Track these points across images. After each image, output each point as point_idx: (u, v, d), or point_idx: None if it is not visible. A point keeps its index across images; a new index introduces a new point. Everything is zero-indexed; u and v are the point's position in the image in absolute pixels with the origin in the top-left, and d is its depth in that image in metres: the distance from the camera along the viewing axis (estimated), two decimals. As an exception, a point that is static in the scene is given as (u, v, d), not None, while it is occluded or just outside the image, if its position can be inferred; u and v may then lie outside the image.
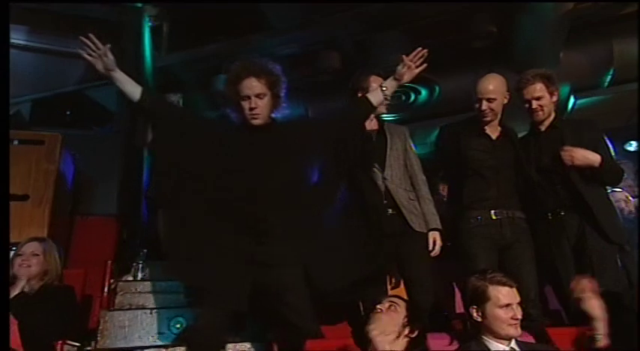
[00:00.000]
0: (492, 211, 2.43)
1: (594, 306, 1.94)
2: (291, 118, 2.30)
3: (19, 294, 2.21)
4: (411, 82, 5.33)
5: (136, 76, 4.76)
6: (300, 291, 1.92)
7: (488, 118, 2.54)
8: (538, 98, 2.53)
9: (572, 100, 5.92)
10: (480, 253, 2.37)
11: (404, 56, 2.13)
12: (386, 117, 5.46)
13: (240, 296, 1.88)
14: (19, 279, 2.28)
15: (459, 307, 2.63)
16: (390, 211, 2.37)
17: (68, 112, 4.49)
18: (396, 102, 5.77)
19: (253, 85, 1.95)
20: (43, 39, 4.60)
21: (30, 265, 2.35)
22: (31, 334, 2.11)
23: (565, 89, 5.83)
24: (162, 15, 4.97)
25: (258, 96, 1.96)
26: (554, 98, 2.60)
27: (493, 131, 2.60)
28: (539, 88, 2.52)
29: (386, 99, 2.27)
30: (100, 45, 1.87)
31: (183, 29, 5.00)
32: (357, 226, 2.20)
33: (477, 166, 2.51)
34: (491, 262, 2.32)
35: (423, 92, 5.54)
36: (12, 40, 4.20)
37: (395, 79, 2.17)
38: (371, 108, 2.19)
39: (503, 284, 1.83)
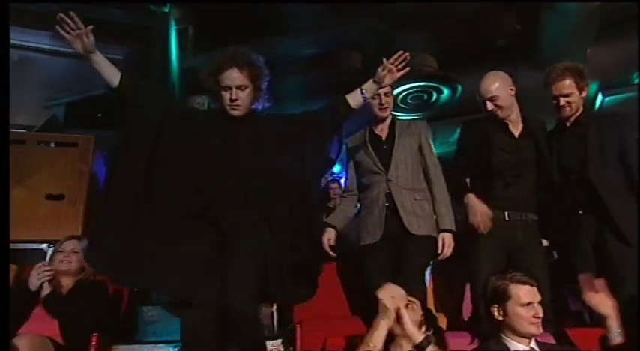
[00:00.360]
0: (506, 213, 2.36)
1: (605, 304, 1.88)
2: (271, 112, 2.19)
3: (53, 290, 2.32)
4: (433, 80, 5.30)
5: (163, 77, 4.97)
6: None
7: (500, 116, 2.44)
8: (567, 95, 2.37)
9: (600, 97, 5.74)
10: (488, 254, 2.31)
11: (384, 59, 2.05)
12: (405, 117, 5.50)
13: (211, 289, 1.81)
14: (61, 275, 2.42)
15: (468, 311, 2.60)
16: (388, 213, 2.33)
17: (99, 115, 4.63)
18: (419, 101, 5.77)
19: (234, 76, 1.91)
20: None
21: (71, 261, 2.48)
22: (68, 327, 2.22)
23: (593, 86, 5.70)
24: (188, 18, 5.08)
25: (239, 87, 1.92)
26: (584, 94, 2.43)
27: (515, 128, 2.49)
28: (567, 84, 2.37)
29: (365, 100, 2.19)
30: (80, 24, 1.78)
31: (208, 31, 5.09)
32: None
33: (499, 166, 2.42)
34: (497, 264, 2.25)
35: (445, 91, 5.48)
36: (44, 46, 4.39)
37: (375, 81, 2.09)
38: (349, 109, 2.12)
39: (524, 282, 1.84)
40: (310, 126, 2.11)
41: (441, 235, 2.34)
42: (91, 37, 1.81)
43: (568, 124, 2.47)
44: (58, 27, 1.75)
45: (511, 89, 2.44)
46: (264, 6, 5.16)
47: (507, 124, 2.47)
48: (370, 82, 2.09)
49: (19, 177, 3.32)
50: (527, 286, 1.83)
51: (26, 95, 4.40)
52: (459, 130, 2.79)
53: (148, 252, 1.82)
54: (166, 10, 4.58)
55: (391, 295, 1.83)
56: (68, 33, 1.78)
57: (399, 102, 5.58)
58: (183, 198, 1.89)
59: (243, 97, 1.95)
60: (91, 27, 1.78)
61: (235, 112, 1.97)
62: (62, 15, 1.73)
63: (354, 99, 2.13)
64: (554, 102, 2.44)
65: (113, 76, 1.89)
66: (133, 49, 4.59)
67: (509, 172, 2.41)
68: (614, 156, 2.35)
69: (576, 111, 2.43)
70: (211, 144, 1.96)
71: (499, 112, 2.41)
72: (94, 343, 2.21)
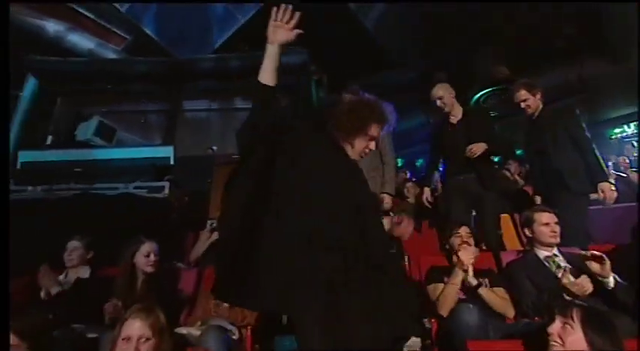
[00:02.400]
0: (461, 177, 3.19)
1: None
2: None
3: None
4: (505, 83, 6.49)
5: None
6: None
7: (446, 111, 3.23)
8: (524, 100, 3.11)
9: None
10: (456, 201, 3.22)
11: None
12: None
13: None
14: None
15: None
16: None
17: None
18: (497, 101, 6.91)
19: (378, 132, 1.78)
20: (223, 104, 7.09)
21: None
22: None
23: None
24: (320, 69, 7.02)
25: (374, 138, 1.79)
26: (538, 96, 3.14)
27: (454, 119, 3.27)
28: (523, 94, 3.12)
29: None
30: (292, 19, 1.61)
31: (334, 74, 6.95)
32: None
33: (443, 145, 3.35)
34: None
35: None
36: (245, 105, 6.67)
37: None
38: None
39: (543, 211, 2.48)
40: None
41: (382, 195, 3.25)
42: (295, 32, 1.64)
43: (533, 119, 3.18)
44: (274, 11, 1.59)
45: (451, 94, 3.24)
46: (369, 48, 6.91)
47: (450, 118, 3.28)
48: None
49: None
50: (545, 213, 2.43)
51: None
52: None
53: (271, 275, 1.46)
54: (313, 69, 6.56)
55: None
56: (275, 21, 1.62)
57: (480, 103, 6.84)
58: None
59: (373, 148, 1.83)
60: (295, 32, 1.62)
61: (358, 158, 1.80)
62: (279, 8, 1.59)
63: None
64: (520, 107, 3.17)
65: (273, 76, 1.63)
66: (290, 99, 6.66)
67: (449, 149, 3.31)
68: (567, 140, 2.99)
69: (536, 109, 3.15)
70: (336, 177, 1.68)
71: (445, 108, 3.23)
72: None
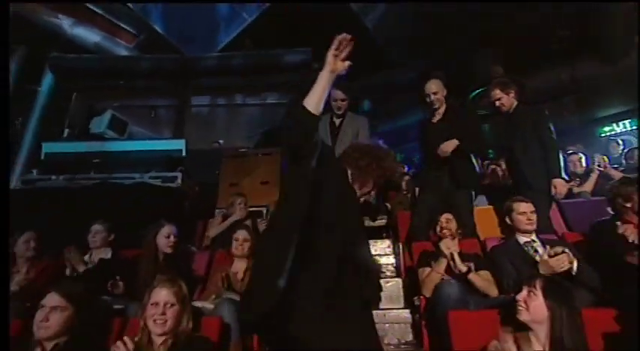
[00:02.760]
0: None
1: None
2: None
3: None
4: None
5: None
6: None
7: (435, 107, 3.33)
8: (499, 99, 3.28)
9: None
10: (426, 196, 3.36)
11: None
12: (482, 111, 6.93)
13: None
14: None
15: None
16: None
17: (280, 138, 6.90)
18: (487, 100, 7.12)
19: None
20: (257, 98, 7.30)
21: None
22: None
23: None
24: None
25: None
26: (512, 95, 3.30)
27: (436, 118, 3.40)
28: (497, 93, 3.29)
29: None
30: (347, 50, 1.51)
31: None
32: None
33: (426, 141, 3.41)
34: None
35: (512, 90, 6.80)
36: (250, 101, 6.90)
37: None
38: None
39: (521, 201, 2.69)
40: None
41: None
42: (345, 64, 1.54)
43: (507, 115, 3.35)
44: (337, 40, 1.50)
45: (442, 91, 3.34)
46: (369, 51, 7.11)
47: (435, 116, 3.40)
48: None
49: (247, 173, 5.53)
50: (522, 203, 2.66)
51: (240, 131, 6.97)
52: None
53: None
54: (314, 68, 6.80)
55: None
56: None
57: (476, 101, 7.05)
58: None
59: None
60: (348, 63, 1.51)
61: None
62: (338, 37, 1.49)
63: None
64: (494, 105, 3.34)
65: (320, 104, 1.53)
66: (294, 96, 6.89)
67: (429, 145, 3.33)
68: (534, 134, 3.17)
69: (510, 107, 3.31)
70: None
71: (435, 104, 3.34)
72: None
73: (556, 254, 2.13)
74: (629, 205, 2.37)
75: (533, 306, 1.61)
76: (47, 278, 2.79)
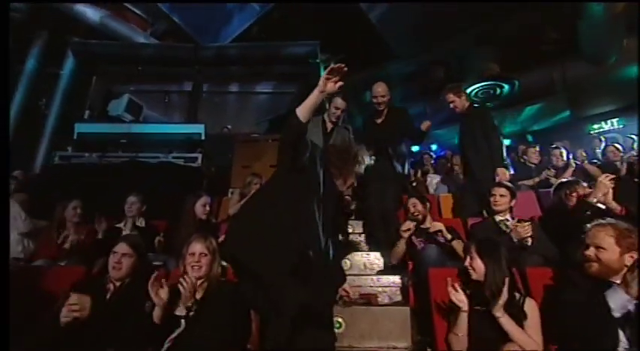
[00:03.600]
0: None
1: None
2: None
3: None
4: (495, 80, 7.24)
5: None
6: None
7: (380, 109, 3.65)
8: (452, 102, 3.76)
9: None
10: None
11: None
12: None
13: None
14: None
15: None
16: None
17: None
18: (487, 95, 7.56)
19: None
20: (265, 87, 7.72)
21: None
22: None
23: (632, 69, 6.88)
24: (330, 59, 7.63)
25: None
26: (463, 98, 3.77)
27: (380, 119, 3.70)
28: (451, 96, 3.76)
29: None
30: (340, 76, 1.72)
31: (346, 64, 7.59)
32: None
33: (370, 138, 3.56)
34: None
35: (506, 87, 7.24)
36: (259, 89, 7.32)
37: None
38: None
39: (499, 186, 3.15)
40: None
41: None
42: (336, 86, 1.75)
43: (461, 116, 3.83)
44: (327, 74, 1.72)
45: (387, 94, 3.64)
46: (373, 41, 7.50)
47: (375, 117, 3.73)
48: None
49: (258, 157, 5.99)
50: (496, 187, 3.09)
51: (249, 118, 7.42)
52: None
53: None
54: (317, 60, 7.20)
55: None
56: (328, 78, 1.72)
57: (472, 96, 7.49)
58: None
59: None
60: (339, 85, 1.72)
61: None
62: (335, 67, 1.69)
63: None
64: (451, 108, 3.81)
65: (308, 114, 1.79)
66: (300, 85, 7.30)
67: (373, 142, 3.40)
68: (482, 133, 3.61)
69: (463, 108, 3.79)
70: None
71: (382, 105, 3.64)
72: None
73: (522, 223, 2.62)
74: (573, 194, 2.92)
75: (475, 266, 2.03)
76: (91, 240, 3.29)
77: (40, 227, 3.35)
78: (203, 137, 4.60)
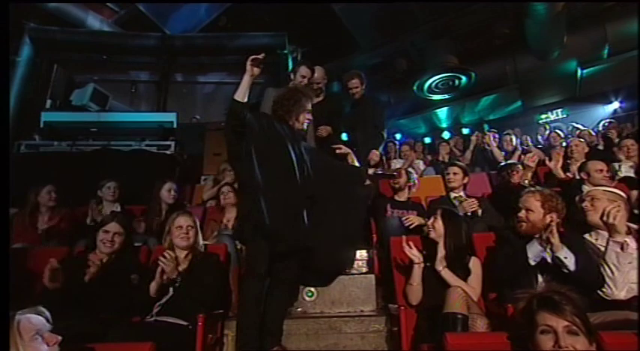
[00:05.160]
0: None
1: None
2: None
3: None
4: (455, 71, 7.72)
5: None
6: None
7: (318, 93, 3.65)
8: (356, 87, 3.87)
9: (579, 71, 7.64)
10: None
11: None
12: (439, 97, 7.85)
13: None
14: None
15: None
16: None
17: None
18: (446, 86, 8.04)
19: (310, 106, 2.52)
20: (233, 77, 7.81)
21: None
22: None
23: (572, 64, 7.58)
24: (295, 50, 7.82)
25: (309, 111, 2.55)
26: (363, 86, 3.92)
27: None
28: (354, 82, 3.87)
29: None
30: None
31: (310, 57, 7.77)
32: None
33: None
34: None
35: (464, 78, 7.75)
36: (227, 80, 7.40)
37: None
38: None
39: (452, 165, 3.54)
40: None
41: None
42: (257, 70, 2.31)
43: (356, 102, 3.99)
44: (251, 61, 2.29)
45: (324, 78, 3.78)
46: (340, 35, 7.77)
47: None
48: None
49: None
50: (449, 167, 3.47)
51: (217, 108, 7.49)
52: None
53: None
54: (285, 51, 7.37)
55: None
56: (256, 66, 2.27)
57: (432, 87, 7.96)
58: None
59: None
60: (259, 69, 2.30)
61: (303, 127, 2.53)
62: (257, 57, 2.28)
63: None
64: (350, 92, 3.92)
65: (244, 95, 2.26)
66: (268, 75, 7.46)
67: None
68: (369, 121, 3.85)
69: (360, 95, 3.92)
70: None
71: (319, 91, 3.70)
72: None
73: (467, 199, 3.01)
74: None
75: (436, 227, 2.38)
76: (67, 223, 3.38)
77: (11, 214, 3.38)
78: (175, 125, 4.70)
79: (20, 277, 2.31)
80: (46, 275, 2.06)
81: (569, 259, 1.91)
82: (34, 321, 1.28)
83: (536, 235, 2.08)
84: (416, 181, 3.71)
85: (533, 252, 2.02)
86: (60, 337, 1.30)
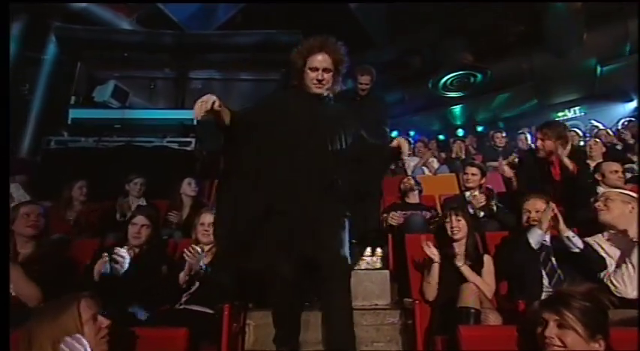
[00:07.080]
0: None
1: None
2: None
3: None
4: (470, 69, 7.72)
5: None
6: None
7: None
8: (366, 84, 3.85)
9: (599, 68, 7.56)
10: None
11: None
12: (454, 94, 7.85)
13: None
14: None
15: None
16: None
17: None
18: (461, 84, 8.05)
19: (323, 59, 2.01)
20: (249, 74, 7.97)
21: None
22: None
23: (592, 61, 7.50)
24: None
25: (325, 70, 2.02)
26: (372, 83, 3.89)
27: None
28: (364, 78, 3.83)
29: None
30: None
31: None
32: None
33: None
34: None
35: (479, 76, 7.75)
36: (243, 77, 7.56)
37: None
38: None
39: (471, 165, 3.68)
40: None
41: None
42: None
43: (362, 97, 3.92)
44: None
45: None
46: (353, 29, 7.83)
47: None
48: None
49: None
50: (468, 167, 3.60)
51: (233, 105, 7.65)
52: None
53: None
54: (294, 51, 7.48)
55: None
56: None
57: (447, 85, 7.97)
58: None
59: (328, 78, 2.05)
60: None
61: (319, 90, 2.07)
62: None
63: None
64: (359, 87, 3.88)
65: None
66: (283, 73, 7.58)
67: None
68: (375, 114, 3.79)
69: (366, 92, 3.92)
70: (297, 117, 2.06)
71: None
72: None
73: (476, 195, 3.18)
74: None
75: (462, 227, 2.48)
76: (97, 218, 3.57)
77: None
78: (195, 122, 4.86)
79: (63, 265, 2.48)
80: (98, 268, 2.25)
81: (576, 238, 2.15)
82: (93, 303, 1.43)
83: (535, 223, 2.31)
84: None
85: (535, 238, 2.22)
86: (110, 321, 1.45)
